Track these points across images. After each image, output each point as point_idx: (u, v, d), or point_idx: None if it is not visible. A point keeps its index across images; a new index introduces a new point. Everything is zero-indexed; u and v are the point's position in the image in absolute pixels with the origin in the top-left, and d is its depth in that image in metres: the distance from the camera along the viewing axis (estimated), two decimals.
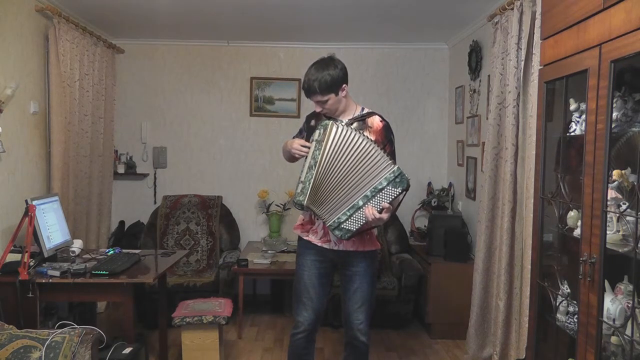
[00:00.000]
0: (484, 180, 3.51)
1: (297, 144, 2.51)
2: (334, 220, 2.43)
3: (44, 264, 2.98)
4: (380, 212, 2.36)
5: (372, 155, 2.37)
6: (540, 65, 2.50)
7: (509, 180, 3.18)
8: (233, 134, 5.12)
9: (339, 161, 2.39)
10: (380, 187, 2.36)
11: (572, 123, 2.26)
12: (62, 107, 3.73)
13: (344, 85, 2.53)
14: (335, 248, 2.60)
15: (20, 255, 2.79)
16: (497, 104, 3.37)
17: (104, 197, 4.61)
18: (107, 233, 4.71)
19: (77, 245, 3.38)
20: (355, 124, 2.57)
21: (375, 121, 2.60)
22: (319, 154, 2.40)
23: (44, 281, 2.80)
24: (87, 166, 4.21)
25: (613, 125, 1.91)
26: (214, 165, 5.14)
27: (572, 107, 2.25)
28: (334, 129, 2.39)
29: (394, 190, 2.36)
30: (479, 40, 4.22)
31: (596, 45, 1.95)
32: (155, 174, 5.11)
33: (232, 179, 5.13)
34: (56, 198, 3.37)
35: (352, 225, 2.42)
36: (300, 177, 2.47)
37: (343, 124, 2.46)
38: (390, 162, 2.38)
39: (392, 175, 2.35)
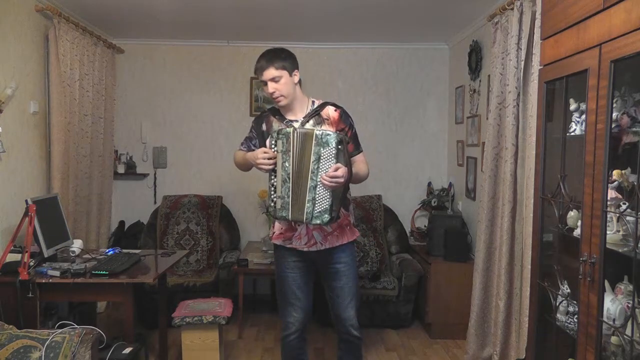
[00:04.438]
0: (484, 180, 3.51)
1: (262, 157, 2.45)
2: (307, 214, 2.40)
3: (44, 264, 2.98)
4: (334, 171, 2.33)
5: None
6: (540, 65, 2.50)
7: (509, 180, 3.18)
8: (233, 134, 5.10)
9: (303, 166, 2.39)
10: (316, 157, 2.36)
11: (572, 123, 2.26)
12: (62, 107, 3.73)
13: (296, 71, 2.57)
14: (322, 248, 2.60)
15: (20, 255, 2.79)
16: (497, 104, 3.37)
17: (104, 197, 4.61)
18: (107, 233, 4.71)
19: (77, 245, 3.38)
20: (311, 121, 2.57)
21: (330, 112, 2.60)
22: (289, 166, 2.40)
23: (44, 281, 2.80)
24: (87, 166, 4.21)
25: (613, 125, 1.91)
26: (214, 165, 5.13)
27: (572, 107, 2.25)
28: (295, 136, 2.39)
29: (327, 150, 2.35)
30: (479, 40, 4.22)
31: (596, 45, 1.95)
32: (155, 174, 5.11)
33: (232, 179, 5.12)
34: (56, 198, 3.37)
35: (322, 204, 2.38)
36: (275, 191, 2.46)
37: (302, 128, 2.46)
38: (311, 131, 2.39)
39: (317, 139, 2.35)
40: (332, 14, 4.03)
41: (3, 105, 3.18)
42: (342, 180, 2.35)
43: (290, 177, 2.41)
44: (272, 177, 2.48)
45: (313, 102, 2.65)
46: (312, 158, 2.36)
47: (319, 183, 2.36)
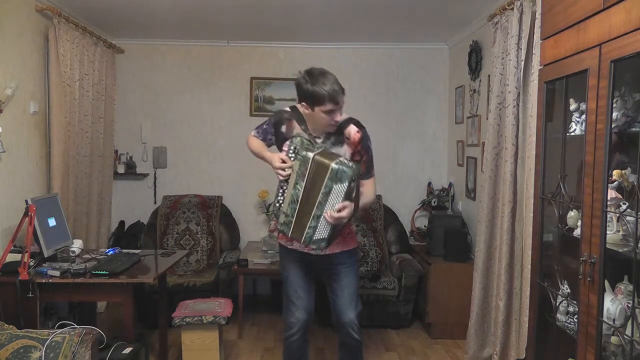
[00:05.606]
0: (484, 180, 3.51)
1: (280, 167, 2.44)
2: (305, 237, 2.42)
3: (44, 264, 2.98)
4: (338, 211, 2.32)
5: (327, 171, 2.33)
6: (540, 65, 2.50)
7: (509, 180, 3.18)
8: (233, 134, 5.11)
9: (312, 194, 2.37)
10: (327, 190, 2.33)
11: (572, 123, 2.26)
12: (62, 107, 3.73)
13: None
14: (321, 253, 2.60)
15: (20, 255, 2.79)
16: (497, 104, 3.37)
17: (104, 197, 4.61)
18: (107, 233, 4.71)
19: (77, 245, 3.38)
20: (332, 138, 2.55)
21: (352, 132, 2.55)
22: (300, 189, 2.39)
23: (44, 281, 2.80)
24: (87, 166, 4.21)
25: (613, 125, 1.91)
26: (214, 165, 5.13)
27: (572, 107, 2.25)
28: (313, 164, 2.35)
29: (341, 186, 2.31)
30: (479, 40, 4.22)
31: (596, 45, 1.95)
32: (155, 174, 5.11)
33: (232, 179, 5.12)
34: (56, 198, 3.37)
35: (321, 233, 2.39)
36: (282, 206, 2.47)
37: (321, 154, 2.38)
38: (327, 162, 2.31)
39: (332, 173, 2.30)
40: (332, 14, 4.03)
41: (3, 105, 3.18)
42: (344, 220, 2.36)
43: (299, 199, 2.40)
44: (283, 183, 2.48)
45: None
46: (323, 190, 2.33)
47: (323, 214, 2.36)
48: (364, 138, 2.56)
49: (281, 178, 2.46)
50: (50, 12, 3.61)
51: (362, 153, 2.56)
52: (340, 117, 2.48)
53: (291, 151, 2.45)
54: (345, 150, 2.55)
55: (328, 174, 2.30)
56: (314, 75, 2.40)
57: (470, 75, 4.36)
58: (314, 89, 2.37)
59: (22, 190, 3.44)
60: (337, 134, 2.55)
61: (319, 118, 2.45)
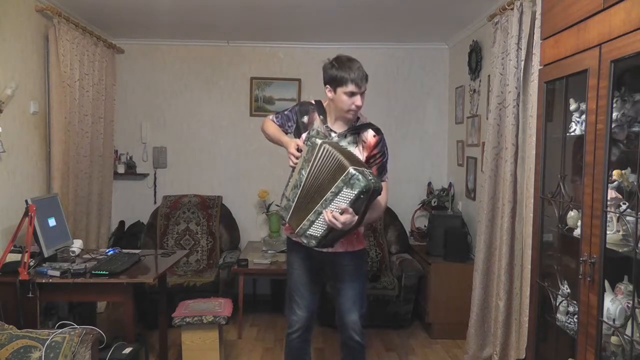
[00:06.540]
0: (484, 180, 3.51)
1: (293, 152, 2.44)
2: (300, 229, 2.38)
3: (44, 264, 2.98)
4: (340, 214, 2.24)
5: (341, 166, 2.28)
6: (540, 65, 2.50)
7: (509, 180, 3.18)
8: (233, 134, 5.12)
9: (319, 179, 2.34)
10: (337, 190, 2.26)
11: (572, 123, 2.26)
12: (62, 107, 3.73)
13: None
14: (325, 250, 2.56)
15: (20, 255, 2.79)
16: (497, 104, 3.37)
17: (104, 197, 4.61)
18: (107, 233, 4.70)
19: (77, 245, 3.38)
20: (349, 138, 2.55)
21: (369, 136, 2.56)
22: (305, 174, 2.37)
23: (44, 281, 2.80)
24: (87, 166, 4.21)
25: (613, 125, 1.91)
26: (214, 165, 5.14)
27: (572, 107, 2.25)
28: (321, 151, 2.33)
29: (350, 192, 2.23)
30: (479, 40, 4.22)
31: (596, 45, 1.95)
32: (155, 174, 5.11)
33: (232, 179, 5.13)
34: (56, 198, 3.37)
35: (316, 231, 2.34)
36: (285, 190, 2.47)
37: (335, 148, 2.35)
38: (347, 164, 2.24)
39: (346, 177, 2.23)
40: (333, 14, 4.03)
41: (3, 105, 3.18)
42: (339, 226, 2.26)
43: (303, 186, 2.37)
44: (291, 179, 2.48)
45: (358, 117, 2.60)
46: (333, 189, 2.26)
47: (324, 212, 2.31)
48: (380, 143, 2.56)
49: (291, 163, 2.45)
50: (50, 12, 3.61)
51: (377, 157, 2.55)
52: (361, 103, 2.49)
53: (306, 142, 2.45)
54: (358, 153, 2.53)
55: (342, 176, 2.24)
56: (341, 60, 2.49)
57: (470, 75, 4.36)
58: (339, 72, 2.44)
59: (22, 190, 3.44)
60: (354, 134, 2.55)
61: (340, 101, 2.46)
